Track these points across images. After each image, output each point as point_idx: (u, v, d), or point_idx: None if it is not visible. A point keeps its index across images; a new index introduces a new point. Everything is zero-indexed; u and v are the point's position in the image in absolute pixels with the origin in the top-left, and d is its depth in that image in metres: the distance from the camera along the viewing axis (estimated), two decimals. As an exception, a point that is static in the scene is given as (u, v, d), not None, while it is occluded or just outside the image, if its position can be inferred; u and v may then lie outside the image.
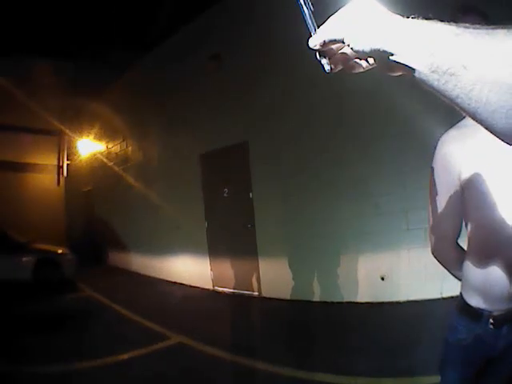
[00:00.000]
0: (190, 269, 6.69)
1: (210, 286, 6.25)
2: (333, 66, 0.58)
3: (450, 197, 1.09)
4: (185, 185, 6.69)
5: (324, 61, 0.57)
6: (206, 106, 6.26)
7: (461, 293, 1.14)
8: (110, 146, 9.36)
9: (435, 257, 1.22)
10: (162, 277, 7.27)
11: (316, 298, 4.85)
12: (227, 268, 5.96)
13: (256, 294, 5.56)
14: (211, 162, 6.28)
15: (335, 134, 4.71)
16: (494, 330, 1.04)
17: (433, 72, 0.44)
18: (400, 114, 4.07)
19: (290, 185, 5.13)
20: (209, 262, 6.30)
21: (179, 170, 6.83)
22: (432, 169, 1.13)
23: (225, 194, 6.01)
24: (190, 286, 6.54)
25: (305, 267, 5.01)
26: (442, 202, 1.13)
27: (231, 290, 5.90)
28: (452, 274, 1.22)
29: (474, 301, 1.07)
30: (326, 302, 4.76)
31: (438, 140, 1.12)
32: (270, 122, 5.35)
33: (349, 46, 0.53)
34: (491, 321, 1.04)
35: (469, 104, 0.42)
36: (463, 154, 1.04)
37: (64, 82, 9.73)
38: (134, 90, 7.91)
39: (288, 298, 5.05)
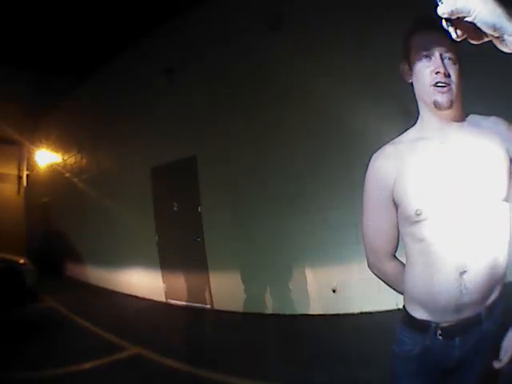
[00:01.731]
0: (144, 282, 6.67)
1: (163, 299, 6.25)
2: (459, 33, 0.65)
3: (383, 211, 1.09)
4: (137, 198, 6.67)
5: (451, 28, 0.64)
6: (158, 120, 6.28)
7: (404, 305, 1.13)
8: (65, 157, 9.24)
9: (371, 271, 1.21)
10: (117, 289, 7.20)
11: (269, 311, 4.86)
12: (179, 281, 5.98)
13: (208, 306, 5.59)
14: (161, 175, 6.28)
15: (284, 148, 4.76)
16: (444, 340, 1.03)
17: None
18: (349, 127, 4.12)
19: (239, 198, 5.16)
20: (161, 275, 6.30)
21: (131, 183, 6.80)
22: (365, 183, 1.12)
23: (174, 208, 6.03)
24: (144, 299, 6.52)
25: (256, 280, 5.03)
26: (374, 216, 1.13)
27: (184, 303, 5.90)
28: (391, 287, 1.21)
29: (419, 313, 1.06)
30: (278, 315, 4.78)
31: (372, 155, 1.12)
32: (219, 136, 5.40)
33: (474, 18, 0.61)
34: (439, 332, 1.03)
35: None
36: (397, 169, 1.04)
37: (24, 91, 9.56)
38: (89, 103, 7.85)
39: (240, 310, 5.06)
